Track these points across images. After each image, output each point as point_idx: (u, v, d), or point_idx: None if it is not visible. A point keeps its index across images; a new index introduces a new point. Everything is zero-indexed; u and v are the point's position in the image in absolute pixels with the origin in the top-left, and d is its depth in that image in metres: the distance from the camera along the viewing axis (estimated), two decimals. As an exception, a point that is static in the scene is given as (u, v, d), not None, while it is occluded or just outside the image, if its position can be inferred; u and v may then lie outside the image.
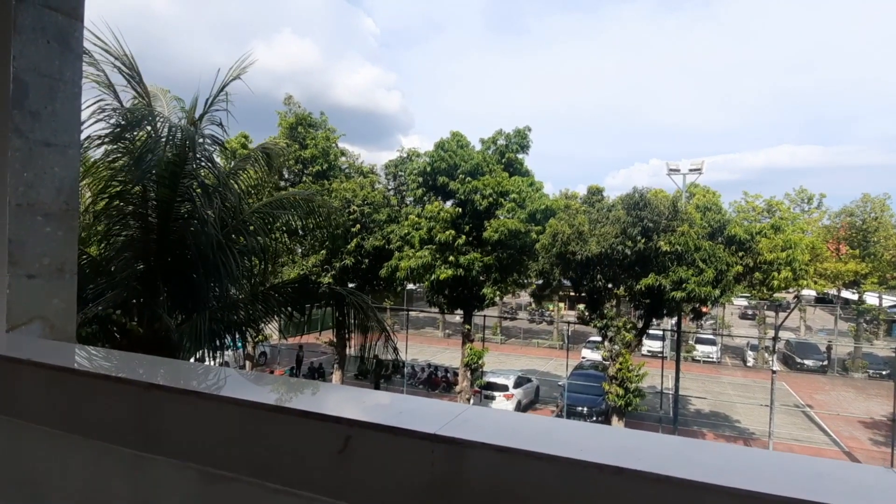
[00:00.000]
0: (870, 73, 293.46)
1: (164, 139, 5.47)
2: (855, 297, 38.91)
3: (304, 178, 21.31)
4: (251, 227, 6.80)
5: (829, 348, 35.33)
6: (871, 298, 40.48)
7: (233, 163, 8.87)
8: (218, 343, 6.32)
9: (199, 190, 5.85)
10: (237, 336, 6.87)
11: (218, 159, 8.07)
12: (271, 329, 21.40)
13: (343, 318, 7.76)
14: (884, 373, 31.76)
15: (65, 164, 2.10)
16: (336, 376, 22.81)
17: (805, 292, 39.49)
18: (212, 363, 6.79)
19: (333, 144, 22.32)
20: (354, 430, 0.99)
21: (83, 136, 5.20)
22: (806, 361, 33.93)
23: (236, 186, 6.88)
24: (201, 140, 6.13)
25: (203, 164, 6.04)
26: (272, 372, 26.02)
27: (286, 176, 21.88)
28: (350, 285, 21.26)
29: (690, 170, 19.85)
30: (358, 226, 19.82)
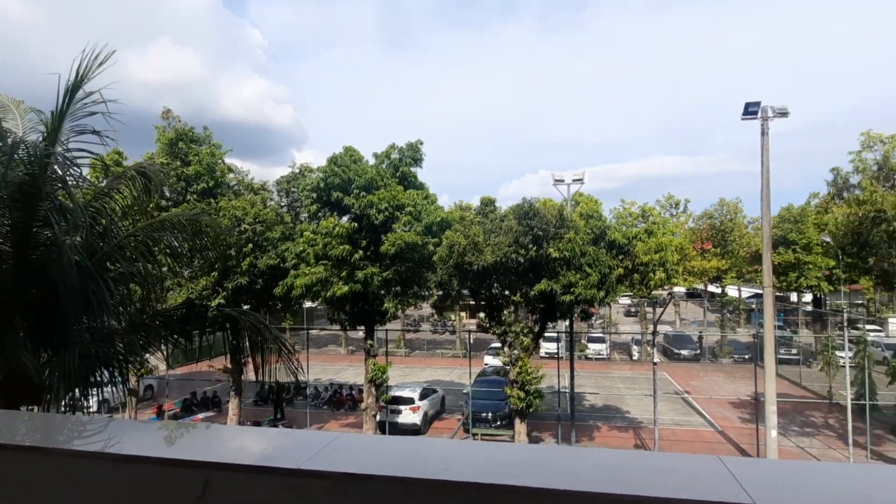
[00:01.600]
0: (723, 89, 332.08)
1: (8, 157, 4.93)
2: (718, 290, 43.58)
3: (189, 197, 20.04)
4: (128, 253, 6.30)
5: (700, 338, 39.08)
6: (732, 291, 45.59)
7: (104, 182, 8.17)
8: (93, 380, 5.77)
9: (62, 212, 5.33)
10: (115, 371, 6.31)
11: (88, 176, 7.40)
12: (157, 360, 19.81)
13: (238, 342, 7.38)
14: (746, 357, 35.59)
15: None
16: (233, 404, 21.53)
17: (677, 289, 43.59)
18: (89, 402, 6.17)
19: (219, 160, 21.23)
20: (213, 474, 0.94)
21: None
22: (682, 351, 37.21)
23: (109, 208, 6.36)
24: (64, 156, 5.59)
25: (60, 185, 5.49)
26: (160, 406, 24.07)
27: (168, 195, 20.46)
28: (245, 307, 20.25)
29: (574, 180, 21.26)
30: (250, 245, 18.97)
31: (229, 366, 20.92)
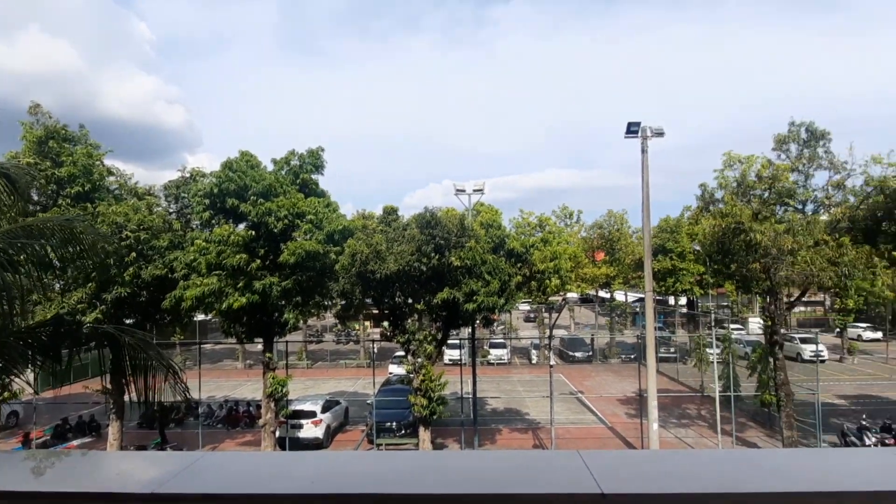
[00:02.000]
0: (610, 110, 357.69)
1: None
2: (608, 295, 46.72)
3: (60, 202, 18.16)
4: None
5: (592, 341, 41.63)
6: (619, 296, 49.05)
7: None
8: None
9: None
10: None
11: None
12: (21, 383, 17.68)
13: (118, 361, 6.81)
14: (632, 356, 38.42)
15: None
16: (113, 429, 19.72)
17: (571, 295, 46.18)
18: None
19: (98, 162, 19.46)
20: None
21: None
22: (576, 354, 39.39)
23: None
24: None
25: None
26: (27, 434, 21.50)
27: (36, 199, 18.42)
28: (128, 321, 18.68)
29: (474, 190, 21.99)
30: (134, 254, 17.56)
31: (108, 386, 19.17)
